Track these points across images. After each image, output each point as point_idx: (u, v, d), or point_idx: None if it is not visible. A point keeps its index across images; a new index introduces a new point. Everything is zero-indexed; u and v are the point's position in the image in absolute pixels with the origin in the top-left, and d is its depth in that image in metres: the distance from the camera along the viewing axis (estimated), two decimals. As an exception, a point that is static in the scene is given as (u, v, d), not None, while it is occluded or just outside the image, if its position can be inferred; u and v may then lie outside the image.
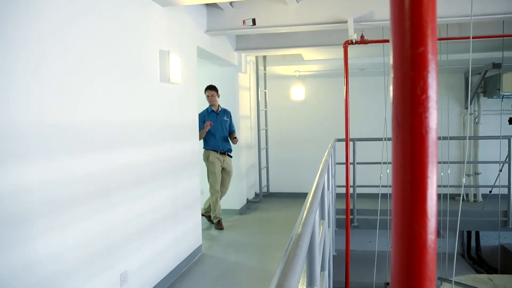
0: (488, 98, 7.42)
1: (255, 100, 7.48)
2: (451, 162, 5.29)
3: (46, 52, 2.34)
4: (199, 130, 5.71)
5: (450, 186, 5.03)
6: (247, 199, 7.22)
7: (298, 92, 8.18)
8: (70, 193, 2.54)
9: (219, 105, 5.92)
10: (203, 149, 5.84)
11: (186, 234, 4.38)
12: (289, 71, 7.97)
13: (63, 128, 2.48)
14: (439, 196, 4.69)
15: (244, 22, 4.71)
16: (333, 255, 4.19)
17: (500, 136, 5.60)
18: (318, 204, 1.72)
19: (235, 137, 5.88)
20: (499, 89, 6.83)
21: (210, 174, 5.84)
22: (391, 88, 0.56)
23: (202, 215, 6.00)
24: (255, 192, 7.74)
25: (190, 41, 4.55)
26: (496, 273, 6.48)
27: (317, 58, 7.44)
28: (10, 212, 2.09)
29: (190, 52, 4.53)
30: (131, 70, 3.30)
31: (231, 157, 5.98)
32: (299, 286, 3.32)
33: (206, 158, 5.85)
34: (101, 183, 2.88)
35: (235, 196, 6.60)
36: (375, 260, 4.49)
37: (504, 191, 5.77)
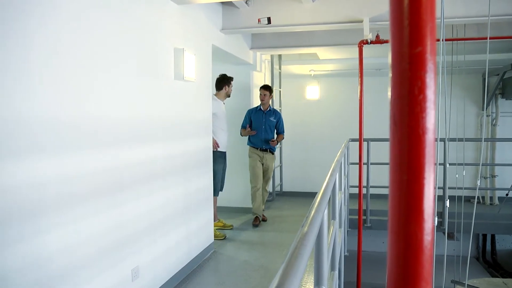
0: (506, 99, 7.30)
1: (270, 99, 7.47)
2: (466, 164, 5.22)
3: (61, 48, 2.37)
4: (242, 125, 6.08)
5: (465, 188, 4.96)
6: (261, 197, 7.22)
7: (313, 92, 8.16)
8: (83, 188, 2.57)
9: (269, 105, 6.11)
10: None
11: (198, 231, 4.41)
12: (304, 70, 7.95)
13: (76, 124, 2.51)
14: (454, 198, 4.64)
15: (259, 20, 4.72)
16: (345, 256, 4.18)
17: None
18: (327, 203, 1.71)
19: (273, 140, 5.95)
20: (517, 91, 6.73)
21: (249, 169, 6.08)
22: (389, 87, 0.55)
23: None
24: (269, 191, 7.74)
25: (205, 39, 4.57)
26: (511, 277, 6.38)
27: (332, 58, 7.41)
28: (23, 206, 2.12)
29: (205, 50, 4.55)
30: (146, 67, 3.33)
31: (272, 154, 6.10)
32: (308, 286, 3.31)
33: (248, 154, 6.09)
34: (114, 178, 2.91)
35: (247, 195, 6.61)
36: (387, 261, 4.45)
37: (522, 194, 5.68)
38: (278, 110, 6.32)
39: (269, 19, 4.71)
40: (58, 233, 2.36)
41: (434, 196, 0.55)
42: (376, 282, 5.26)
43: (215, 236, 5.12)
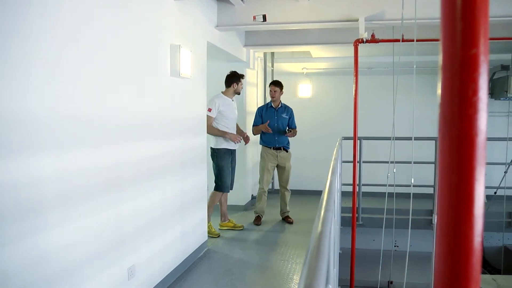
0: (495, 99, 7.41)
1: (262, 97, 7.47)
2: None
3: (61, 45, 2.34)
4: (254, 124, 5.93)
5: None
6: (252, 195, 7.23)
7: (305, 90, 8.17)
8: (83, 185, 2.54)
9: (280, 101, 5.96)
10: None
11: (193, 229, 4.39)
12: (297, 68, 7.96)
13: (76, 121, 2.48)
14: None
15: (254, 18, 4.70)
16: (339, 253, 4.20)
17: (507, 137, 5.60)
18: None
19: (291, 131, 5.82)
20: (506, 91, 6.83)
21: (260, 169, 5.98)
22: (439, 86, 0.55)
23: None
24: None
25: (201, 36, 4.54)
26: (499, 273, 6.47)
27: (325, 56, 7.42)
28: (24, 202, 2.09)
29: (200, 47, 4.53)
30: (143, 64, 3.30)
31: (287, 151, 5.97)
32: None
33: (260, 154, 5.98)
34: (112, 176, 2.88)
35: (240, 192, 6.61)
36: (380, 258, 4.49)
37: (509, 192, 5.80)
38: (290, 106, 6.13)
39: (264, 17, 4.70)
40: (57, 232, 2.34)
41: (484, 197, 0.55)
42: (368, 280, 5.30)
43: (210, 233, 5.12)
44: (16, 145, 2.05)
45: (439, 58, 0.55)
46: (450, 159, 0.54)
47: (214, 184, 5.27)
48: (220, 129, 5.17)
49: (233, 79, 5.30)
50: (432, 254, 3.15)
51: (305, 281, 0.86)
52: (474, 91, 0.52)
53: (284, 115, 5.90)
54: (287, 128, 5.91)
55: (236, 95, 5.42)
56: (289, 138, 6.03)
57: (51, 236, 2.29)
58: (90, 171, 2.62)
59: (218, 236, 5.26)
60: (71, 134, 2.43)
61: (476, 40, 0.52)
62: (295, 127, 6.01)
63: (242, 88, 5.44)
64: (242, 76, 5.38)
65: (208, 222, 5.25)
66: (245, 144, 5.73)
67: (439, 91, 0.55)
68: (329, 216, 1.40)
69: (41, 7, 2.19)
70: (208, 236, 5.00)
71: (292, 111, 6.03)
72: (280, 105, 5.94)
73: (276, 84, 5.90)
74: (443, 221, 0.56)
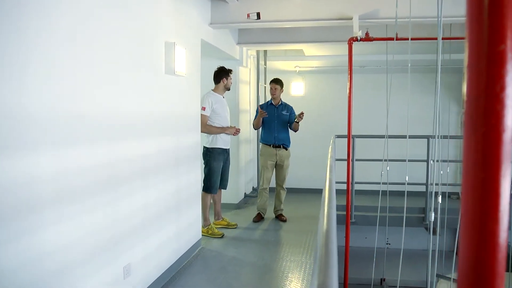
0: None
1: (255, 95, 7.46)
2: (450, 161, 5.32)
3: (57, 42, 2.32)
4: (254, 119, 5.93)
5: (449, 185, 5.06)
6: (245, 193, 7.22)
7: (297, 88, 8.18)
8: (79, 184, 2.52)
9: (280, 99, 5.98)
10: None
11: (188, 227, 4.38)
12: (290, 66, 7.97)
13: (72, 119, 2.45)
14: (436, 194, 4.73)
15: (248, 16, 4.69)
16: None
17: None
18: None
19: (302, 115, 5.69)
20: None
21: (259, 167, 6.04)
22: (464, 84, 0.55)
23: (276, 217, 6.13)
24: (253, 187, 7.75)
25: (195, 33, 4.52)
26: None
27: (318, 54, 7.43)
28: (20, 202, 2.07)
29: (195, 44, 4.51)
30: (139, 62, 3.28)
31: (286, 149, 5.96)
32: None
33: (260, 152, 6.02)
34: (109, 174, 2.86)
35: (233, 190, 6.59)
36: (373, 256, 4.51)
37: (501, 190, 5.83)
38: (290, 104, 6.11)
39: (258, 15, 4.70)
40: (53, 231, 2.31)
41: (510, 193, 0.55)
42: (361, 277, 5.33)
43: (213, 234, 5.12)
44: (12, 143, 2.02)
45: (465, 55, 0.55)
46: (477, 155, 0.55)
47: (202, 185, 5.17)
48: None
49: (222, 74, 5.25)
50: (428, 252, 3.17)
51: (317, 279, 0.86)
52: (502, 87, 0.52)
53: (284, 112, 5.91)
54: (297, 113, 5.79)
55: (226, 92, 5.38)
56: (289, 137, 6.04)
57: (48, 236, 2.26)
58: (86, 170, 2.60)
59: (223, 236, 5.20)
60: (67, 133, 2.41)
61: (504, 36, 0.52)
62: (294, 121, 5.96)
63: (231, 83, 5.38)
64: (230, 70, 5.33)
65: (209, 224, 5.22)
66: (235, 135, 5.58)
67: (464, 88, 0.55)
68: (332, 214, 1.41)
69: (39, 6, 2.16)
70: (212, 237, 5.04)
71: (292, 108, 6.04)
72: (280, 102, 5.97)
73: (277, 82, 5.92)
74: (468, 217, 0.56)
